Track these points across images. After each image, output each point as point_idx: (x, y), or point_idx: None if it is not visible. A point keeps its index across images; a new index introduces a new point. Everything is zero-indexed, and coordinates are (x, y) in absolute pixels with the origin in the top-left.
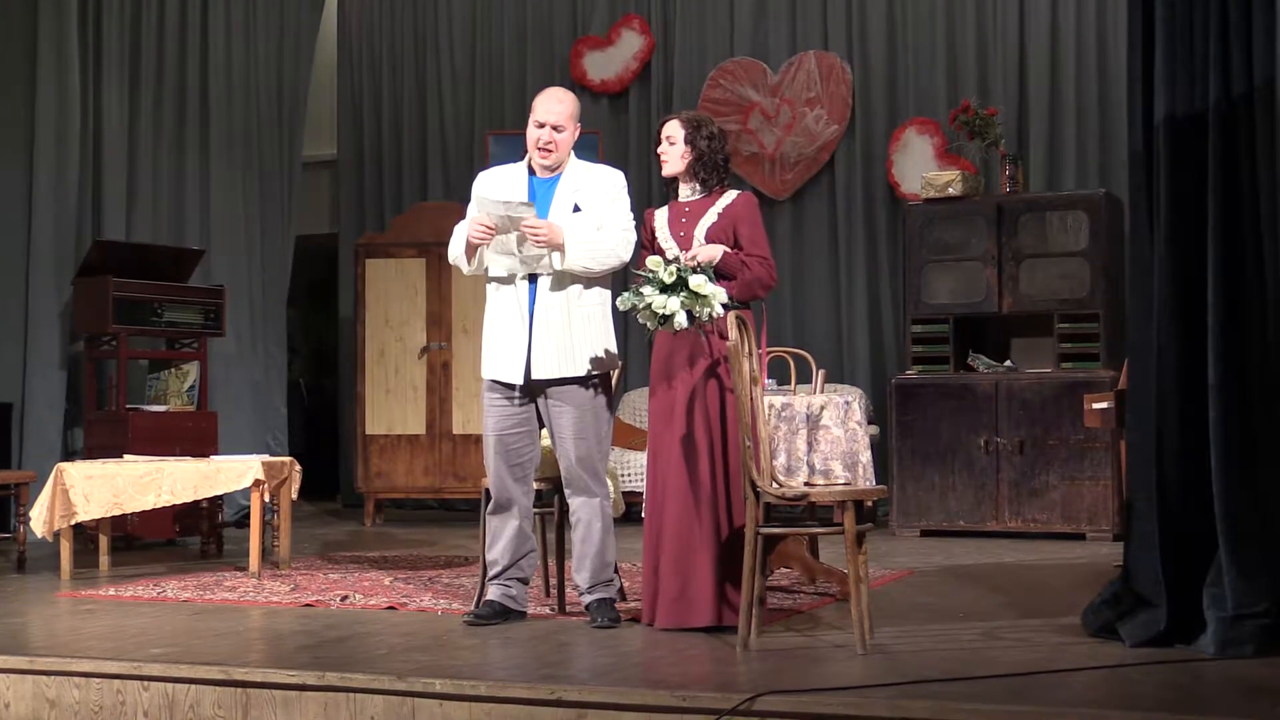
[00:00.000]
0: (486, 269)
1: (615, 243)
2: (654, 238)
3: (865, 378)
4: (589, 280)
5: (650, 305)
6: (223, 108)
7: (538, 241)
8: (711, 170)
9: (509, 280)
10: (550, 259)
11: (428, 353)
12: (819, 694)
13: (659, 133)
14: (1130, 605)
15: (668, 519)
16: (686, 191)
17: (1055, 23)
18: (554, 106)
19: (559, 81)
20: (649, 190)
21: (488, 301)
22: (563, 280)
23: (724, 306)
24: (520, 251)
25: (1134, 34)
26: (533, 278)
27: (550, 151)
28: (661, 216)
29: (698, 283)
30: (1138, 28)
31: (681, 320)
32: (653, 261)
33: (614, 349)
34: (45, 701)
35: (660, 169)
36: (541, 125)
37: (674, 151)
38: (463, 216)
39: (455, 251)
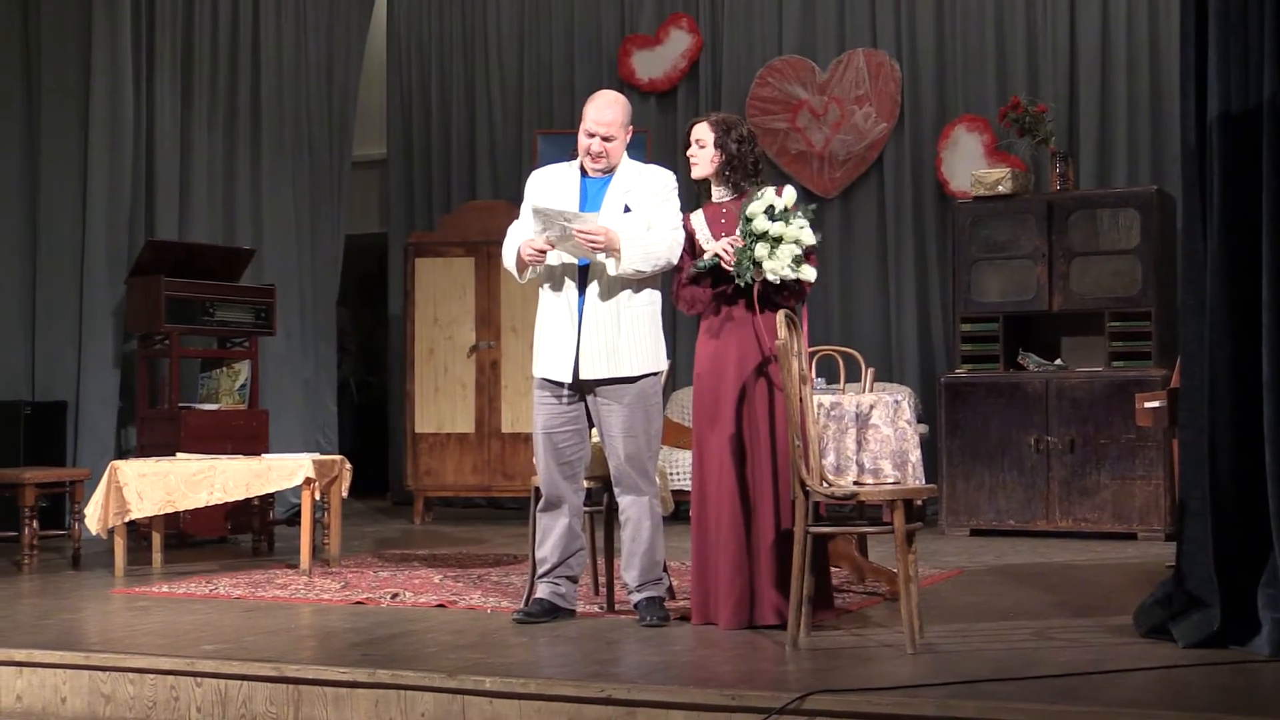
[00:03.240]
0: (540, 271)
1: (667, 244)
2: (693, 240)
3: (914, 376)
4: (640, 282)
5: (754, 230)
6: (274, 108)
7: (595, 246)
8: (743, 174)
9: (560, 280)
10: (606, 264)
11: (476, 351)
12: (868, 693)
13: (687, 135)
14: (1183, 605)
15: (723, 519)
16: (719, 193)
17: (1106, 17)
18: (605, 116)
19: (607, 80)
20: (697, 189)
21: (540, 301)
22: (613, 281)
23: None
24: (575, 253)
25: (1186, 27)
26: (583, 278)
27: (602, 159)
28: (699, 219)
29: (799, 225)
30: (1190, 21)
31: (748, 276)
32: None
33: (663, 349)
34: (101, 697)
35: (690, 171)
36: (592, 135)
37: (704, 155)
38: (512, 216)
39: (509, 261)
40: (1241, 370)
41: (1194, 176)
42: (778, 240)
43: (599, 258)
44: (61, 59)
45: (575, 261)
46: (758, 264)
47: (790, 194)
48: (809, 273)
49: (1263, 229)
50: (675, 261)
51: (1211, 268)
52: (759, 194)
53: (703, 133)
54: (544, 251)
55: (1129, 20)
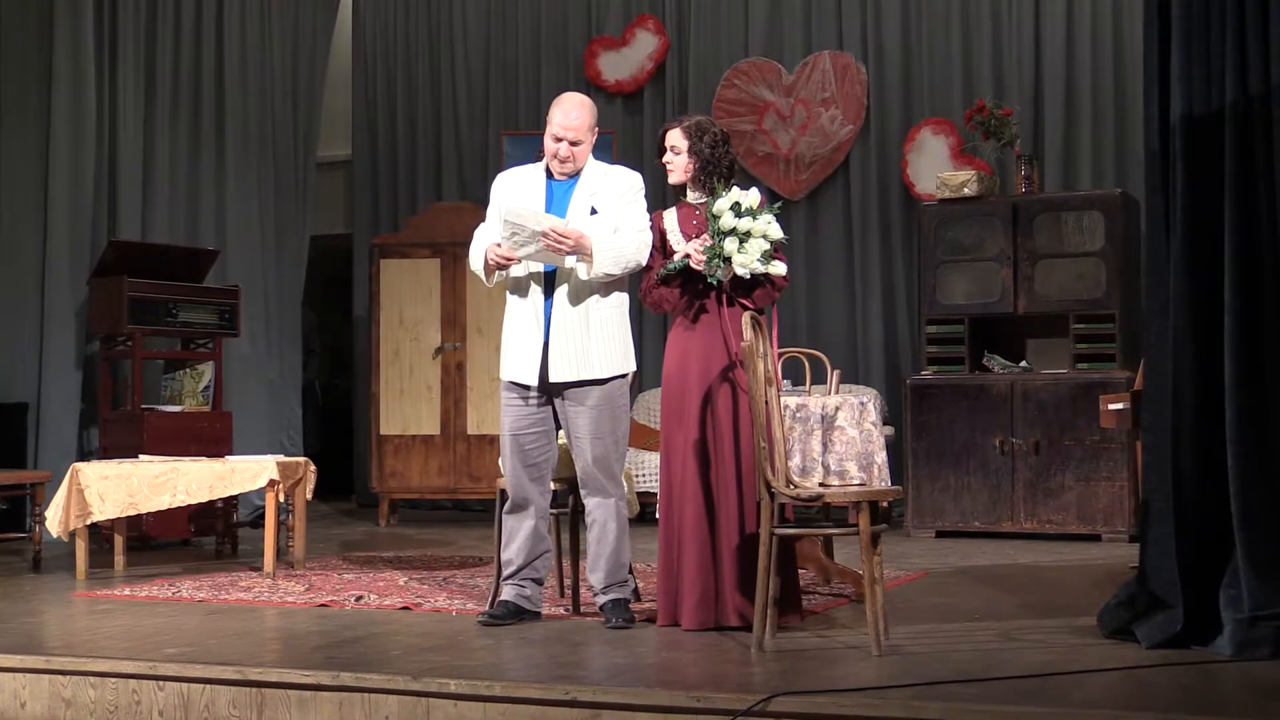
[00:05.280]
0: (508, 274)
1: (635, 246)
2: (664, 240)
3: (880, 378)
4: (607, 284)
5: (722, 228)
6: (238, 108)
7: (564, 249)
8: (718, 177)
9: (527, 284)
10: (576, 267)
11: (442, 353)
12: (834, 695)
13: (661, 140)
14: (1146, 606)
15: (687, 520)
16: (694, 195)
17: (1071, 21)
18: (571, 120)
19: (573, 82)
20: (664, 190)
21: (507, 304)
22: (581, 284)
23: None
24: (543, 259)
25: (1150, 32)
26: (550, 282)
27: (569, 163)
28: (671, 218)
29: (766, 220)
30: (1154, 26)
31: (719, 274)
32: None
33: (631, 351)
34: (61, 701)
35: (666, 176)
36: (559, 139)
37: (679, 161)
38: (479, 217)
39: (476, 264)
40: (1204, 372)
41: (1157, 180)
42: (746, 235)
43: (569, 261)
44: (22, 57)
45: (541, 267)
46: (727, 260)
47: (755, 193)
48: (779, 268)
49: (1225, 232)
50: (644, 262)
51: (1175, 270)
52: (724, 192)
53: (676, 139)
54: (510, 259)
55: (1093, 24)
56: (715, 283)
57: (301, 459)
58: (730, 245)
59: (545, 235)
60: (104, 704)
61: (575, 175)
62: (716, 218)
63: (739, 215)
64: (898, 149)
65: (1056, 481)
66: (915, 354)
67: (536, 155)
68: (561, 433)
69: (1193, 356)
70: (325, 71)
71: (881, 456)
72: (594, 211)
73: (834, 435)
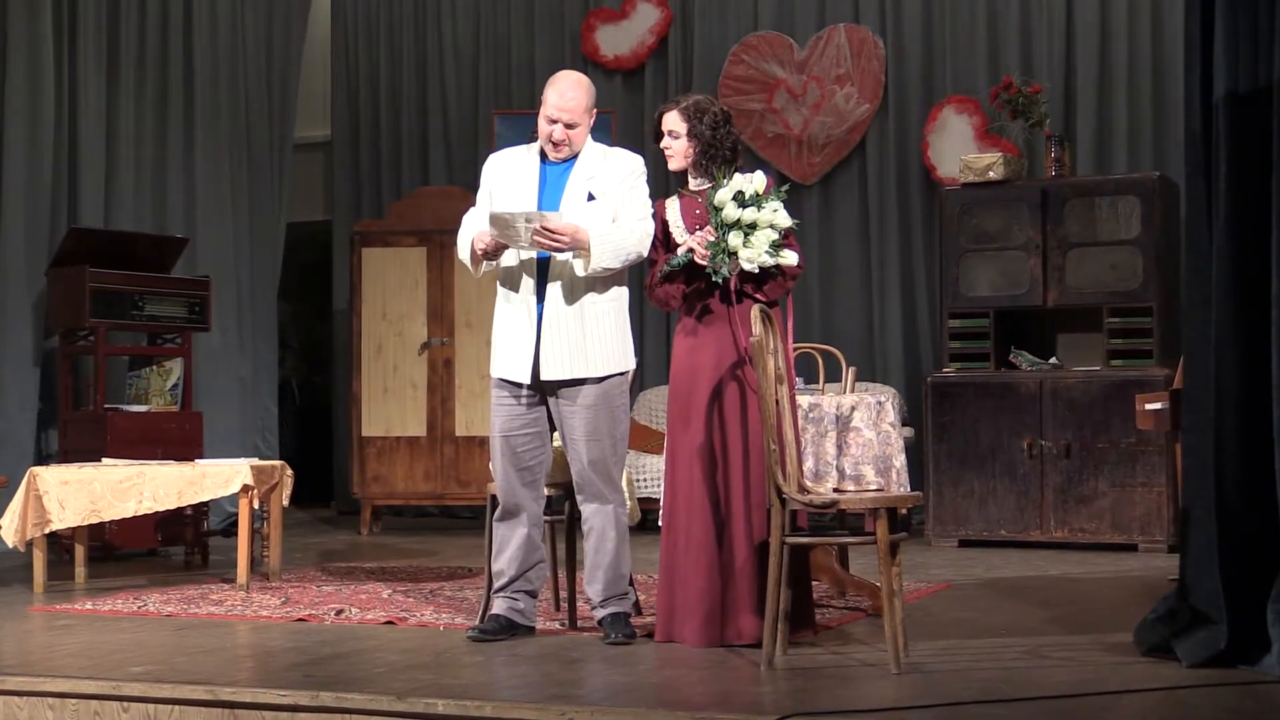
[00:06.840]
0: (498, 264)
1: (636, 236)
2: (666, 230)
3: (899, 376)
4: (605, 278)
5: (725, 220)
6: (209, 85)
7: (557, 246)
8: (720, 160)
9: (518, 276)
10: (574, 263)
11: (428, 349)
12: (849, 716)
13: (658, 124)
14: (1187, 622)
15: (694, 528)
16: (696, 182)
17: None
18: (567, 101)
19: (570, 58)
20: (666, 175)
21: (497, 298)
22: (576, 278)
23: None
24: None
25: (1191, 1)
26: (543, 273)
27: (564, 146)
28: (674, 208)
29: (773, 208)
30: None
31: (724, 271)
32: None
33: (630, 347)
34: None
35: (666, 163)
36: (554, 121)
37: (678, 146)
38: (468, 202)
39: (464, 253)
40: (1249, 369)
41: (1199, 162)
42: (752, 227)
43: (565, 255)
44: None
45: (534, 255)
46: (733, 254)
47: (760, 178)
48: (790, 257)
49: (1272, 218)
50: (645, 254)
51: (1217, 260)
52: (725, 180)
53: (674, 122)
54: (499, 249)
55: None
56: (720, 280)
57: (277, 462)
58: (735, 239)
59: (536, 234)
60: None
61: (571, 158)
62: (718, 210)
63: (743, 205)
64: (918, 129)
65: (1089, 487)
66: (936, 350)
67: (530, 136)
68: (556, 434)
69: (1236, 353)
70: (303, 44)
71: (900, 460)
72: (591, 197)
73: (849, 437)
